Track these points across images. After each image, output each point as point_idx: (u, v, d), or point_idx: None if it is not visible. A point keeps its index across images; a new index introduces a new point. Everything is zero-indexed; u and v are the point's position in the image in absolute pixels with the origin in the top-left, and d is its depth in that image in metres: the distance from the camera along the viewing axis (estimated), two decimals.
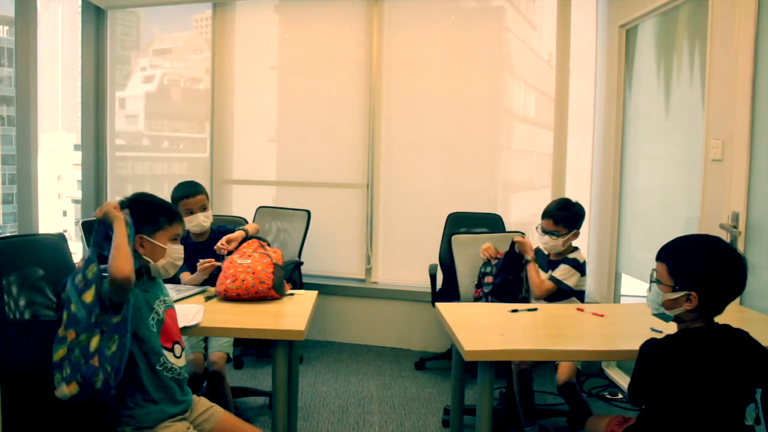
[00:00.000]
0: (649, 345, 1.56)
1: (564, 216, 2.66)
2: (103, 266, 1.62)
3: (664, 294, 1.58)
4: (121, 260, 1.57)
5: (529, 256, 2.64)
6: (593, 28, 3.90)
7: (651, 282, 1.64)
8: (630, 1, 3.40)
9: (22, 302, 1.71)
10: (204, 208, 2.68)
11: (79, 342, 1.57)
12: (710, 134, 2.60)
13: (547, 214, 2.69)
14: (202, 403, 1.87)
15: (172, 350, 1.74)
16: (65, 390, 1.55)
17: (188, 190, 2.69)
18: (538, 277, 2.60)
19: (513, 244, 2.67)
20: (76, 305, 1.58)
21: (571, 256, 2.68)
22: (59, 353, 1.57)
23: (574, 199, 2.75)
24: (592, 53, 3.92)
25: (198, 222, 2.66)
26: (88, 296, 1.59)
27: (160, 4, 4.61)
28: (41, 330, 1.72)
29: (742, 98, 2.41)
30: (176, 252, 1.79)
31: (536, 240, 2.80)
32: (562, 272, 2.62)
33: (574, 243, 2.72)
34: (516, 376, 2.60)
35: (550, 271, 2.66)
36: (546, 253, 2.72)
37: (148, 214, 1.76)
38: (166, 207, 1.83)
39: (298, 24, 4.36)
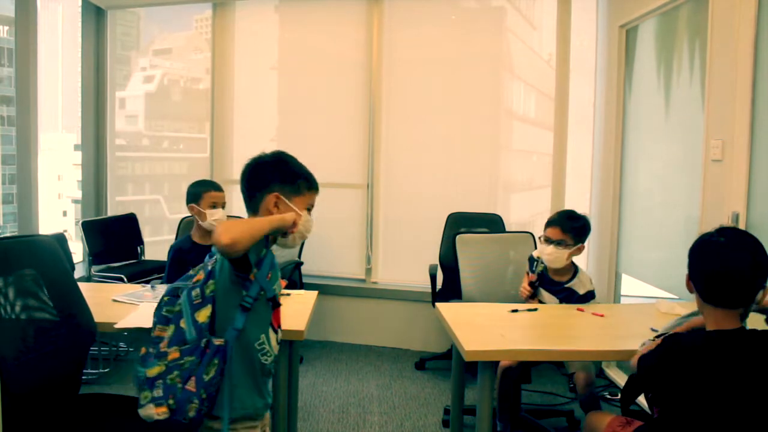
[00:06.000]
0: (670, 344, 1.53)
1: (573, 226, 2.48)
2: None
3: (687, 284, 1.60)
4: (236, 229, 1.34)
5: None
6: (593, 28, 3.90)
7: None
8: (630, 1, 3.40)
9: (19, 305, 1.68)
10: (224, 206, 2.78)
11: (180, 364, 1.42)
12: (710, 134, 2.60)
13: (554, 222, 2.51)
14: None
15: (276, 332, 1.59)
16: (152, 412, 1.39)
17: (215, 185, 2.81)
18: None
19: (540, 267, 2.57)
20: (187, 322, 1.44)
21: (581, 290, 2.52)
22: (155, 370, 1.41)
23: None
24: (592, 53, 3.92)
25: (220, 216, 2.72)
26: (203, 315, 1.44)
27: (160, 4, 4.61)
28: (39, 333, 1.71)
29: (742, 98, 2.40)
30: (309, 223, 1.59)
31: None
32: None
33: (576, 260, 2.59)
34: (500, 373, 2.54)
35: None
36: (548, 265, 2.53)
37: (290, 174, 1.58)
38: (307, 172, 1.62)
39: (298, 24, 4.36)
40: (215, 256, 1.50)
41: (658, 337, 1.65)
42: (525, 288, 2.59)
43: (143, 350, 1.47)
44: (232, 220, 1.43)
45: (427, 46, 4.12)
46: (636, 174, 3.48)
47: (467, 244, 2.91)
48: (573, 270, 2.59)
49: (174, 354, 1.42)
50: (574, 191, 3.91)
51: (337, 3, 4.23)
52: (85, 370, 2.42)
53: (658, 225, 3.21)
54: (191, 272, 1.55)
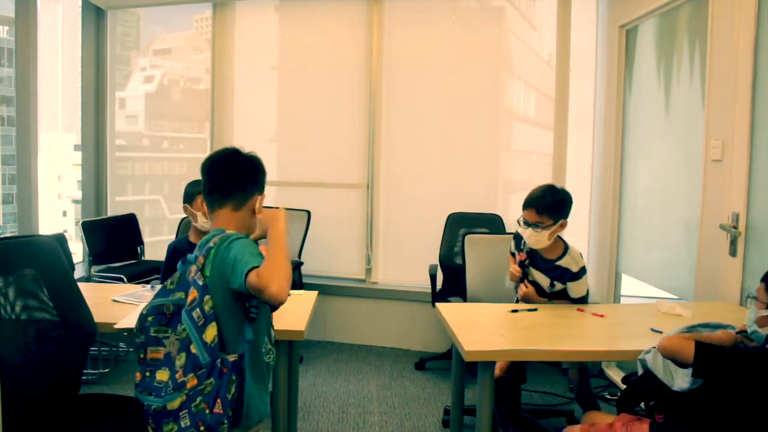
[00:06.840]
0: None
1: (548, 204, 2.36)
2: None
3: (758, 311, 1.55)
4: (285, 278, 1.38)
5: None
6: (593, 28, 3.90)
7: (747, 298, 1.60)
8: (630, 1, 3.40)
9: (19, 305, 1.68)
10: None
11: (201, 389, 1.39)
12: (710, 134, 2.60)
13: (528, 204, 2.40)
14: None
15: (273, 327, 1.63)
16: None
17: None
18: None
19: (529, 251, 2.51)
20: (198, 347, 1.39)
21: (574, 267, 2.41)
22: (176, 402, 1.38)
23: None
24: (592, 53, 3.92)
25: None
26: (210, 335, 1.40)
27: (160, 4, 4.61)
28: (39, 334, 1.71)
29: (742, 98, 2.40)
30: None
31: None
32: (581, 286, 2.43)
33: (563, 236, 2.50)
34: (494, 382, 2.49)
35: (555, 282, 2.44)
36: (531, 247, 2.45)
37: (263, 174, 1.66)
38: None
39: (298, 24, 4.36)
40: (194, 266, 1.47)
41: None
42: (515, 269, 2.50)
43: (138, 376, 1.46)
44: (268, 265, 1.41)
45: (427, 46, 4.12)
46: (636, 174, 3.48)
47: (476, 245, 2.92)
48: (563, 246, 2.48)
49: (192, 381, 1.39)
50: (574, 191, 3.84)
51: (337, 3, 4.23)
52: (85, 370, 2.43)
53: (658, 225, 3.21)
54: (168, 286, 1.50)
